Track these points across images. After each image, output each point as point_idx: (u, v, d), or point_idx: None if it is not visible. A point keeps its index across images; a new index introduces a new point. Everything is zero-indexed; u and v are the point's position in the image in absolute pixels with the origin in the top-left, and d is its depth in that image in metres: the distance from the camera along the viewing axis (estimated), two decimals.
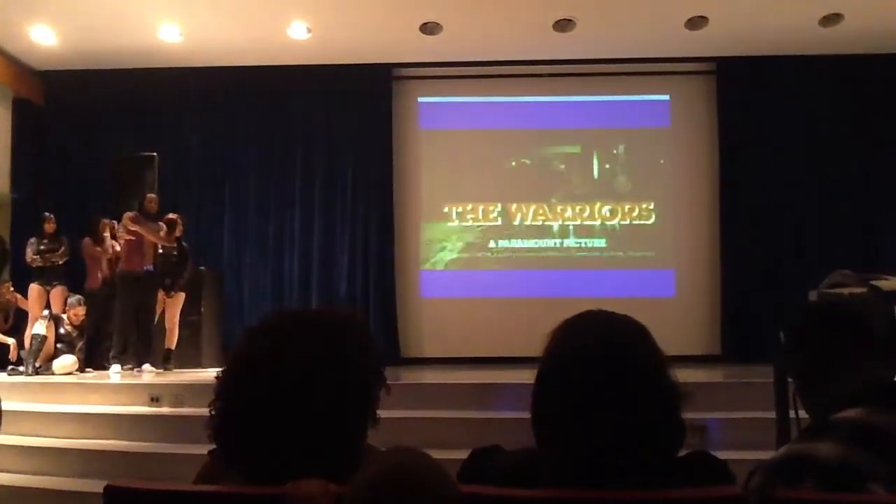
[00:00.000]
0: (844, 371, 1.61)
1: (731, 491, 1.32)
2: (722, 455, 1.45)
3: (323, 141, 9.55)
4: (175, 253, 8.10)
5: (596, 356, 1.37)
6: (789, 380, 1.86)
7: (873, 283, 3.33)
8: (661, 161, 9.51)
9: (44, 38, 8.67)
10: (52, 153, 9.40)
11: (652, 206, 9.44)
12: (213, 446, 1.42)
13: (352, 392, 1.42)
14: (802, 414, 1.80)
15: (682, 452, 1.40)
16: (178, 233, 8.09)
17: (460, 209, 9.51)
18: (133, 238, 7.62)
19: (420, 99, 9.75)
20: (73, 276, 8.15)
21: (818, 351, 1.70)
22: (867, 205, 9.06)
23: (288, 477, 1.28)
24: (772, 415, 3.57)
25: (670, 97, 9.59)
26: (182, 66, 9.20)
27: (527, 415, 1.43)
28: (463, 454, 1.51)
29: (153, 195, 8.05)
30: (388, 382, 1.50)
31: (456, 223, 9.50)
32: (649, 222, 9.42)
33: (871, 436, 1.41)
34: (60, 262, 8.15)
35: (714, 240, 9.33)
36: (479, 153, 9.54)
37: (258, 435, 1.36)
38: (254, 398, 1.38)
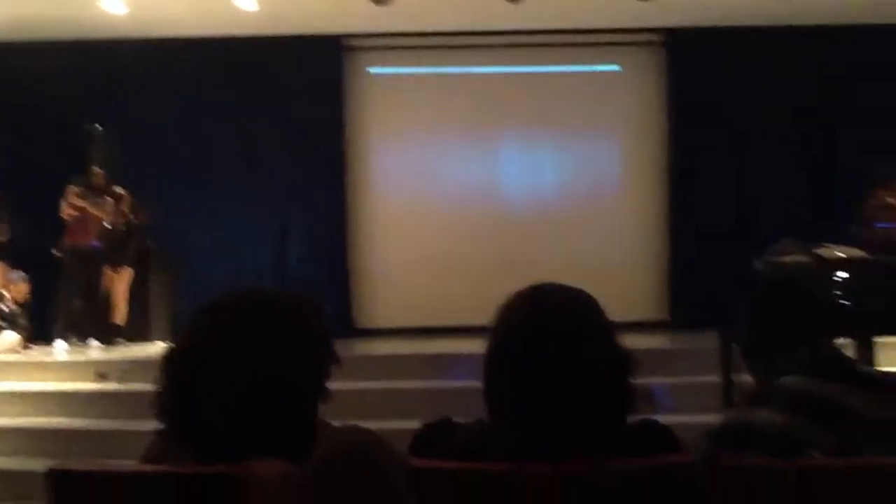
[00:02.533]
0: (788, 340, 1.65)
1: (680, 459, 1.34)
2: (668, 419, 1.48)
3: (272, 113, 9.39)
4: (121, 228, 7.95)
5: (546, 328, 1.38)
6: (734, 346, 1.90)
7: (817, 251, 3.42)
8: (611, 130, 9.56)
9: None
10: None
11: (602, 175, 9.50)
12: (161, 425, 1.40)
13: (301, 369, 1.41)
14: (746, 378, 1.84)
15: (632, 419, 1.42)
16: (124, 208, 7.94)
17: (411, 180, 9.46)
18: (78, 213, 7.46)
19: (370, 69, 9.65)
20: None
21: (764, 322, 1.73)
22: (817, 175, 9.23)
23: (238, 456, 1.27)
24: (717, 379, 3.66)
25: (621, 68, 9.63)
26: (127, 37, 8.94)
27: (479, 385, 1.43)
28: (416, 424, 1.51)
29: (98, 169, 7.88)
30: (339, 356, 1.50)
31: (407, 194, 9.45)
32: (599, 189, 9.48)
33: (812, 403, 1.45)
34: (2, 240, 7.93)
35: (663, 208, 9.45)
36: (429, 123, 9.48)
37: (206, 413, 1.35)
38: (201, 375, 1.36)
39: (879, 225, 8.15)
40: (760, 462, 1.34)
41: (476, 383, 1.47)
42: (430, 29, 9.24)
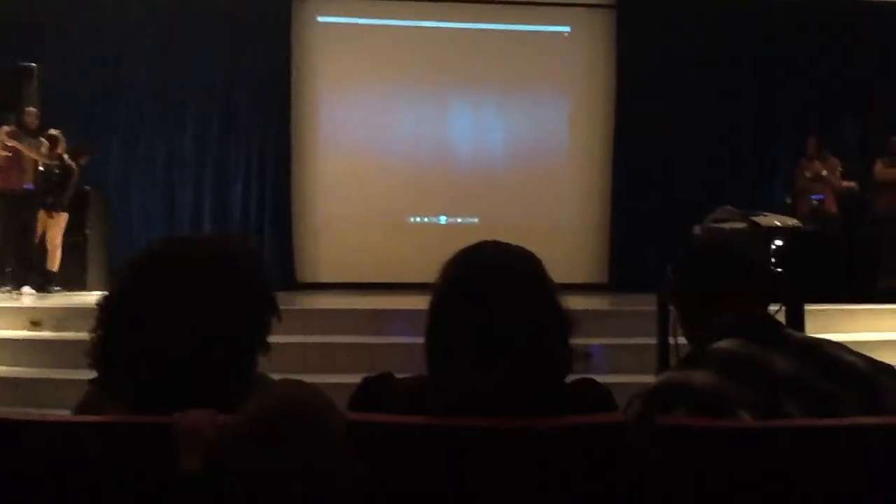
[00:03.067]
0: (721, 303, 1.69)
1: (613, 418, 1.38)
2: (604, 379, 1.51)
3: (219, 60, 9.17)
4: (57, 171, 7.72)
5: (488, 285, 1.39)
6: (670, 309, 1.94)
7: (753, 218, 3.50)
8: (558, 91, 9.58)
9: None
10: None
11: (548, 136, 9.54)
12: (95, 374, 1.38)
13: (240, 319, 1.40)
14: (682, 341, 1.89)
15: (569, 379, 1.45)
16: (60, 150, 7.70)
17: (358, 133, 9.36)
18: (10, 154, 7.22)
19: (320, 18, 9.47)
20: None
21: (698, 284, 1.77)
22: (758, 143, 9.43)
23: (174, 406, 1.25)
24: (653, 341, 3.74)
25: (571, 28, 9.62)
26: None
27: (419, 340, 1.44)
28: (356, 379, 1.52)
29: (33, 109, 7.61)
30: (280, 308, 1.49)
31: (353, 147, 9.36)
32: (545, 150, 9.52)
33: (741, 366, 1.50)
34: None
35: (606, 171, 9.55)
36: (378, 76, 9.38)
37: (141, 362, 1.33)
38: (138, 324, 1.34)
39: (813, 197, 8.39)
40: (691, 422, 1.38)
41: (417, 339, 1.48)
42: None
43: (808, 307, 3.28)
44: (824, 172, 8.38)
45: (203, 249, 1.44)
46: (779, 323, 1.68)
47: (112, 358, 1.36)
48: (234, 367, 1.39)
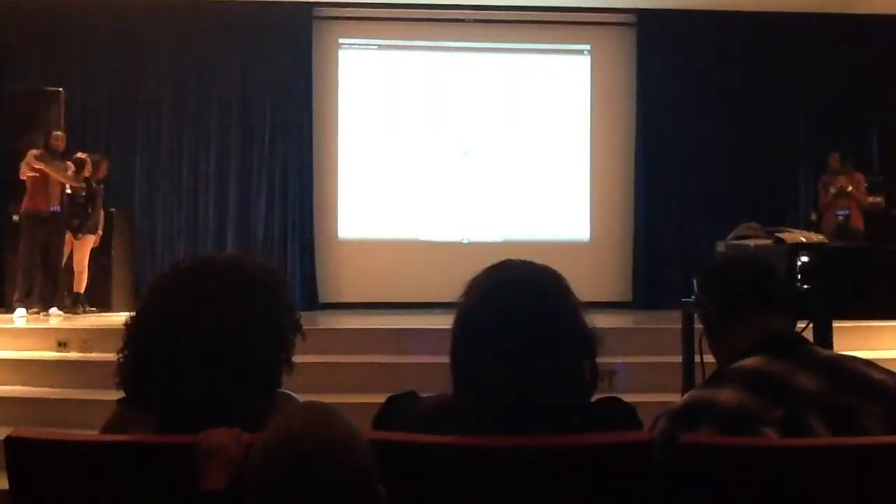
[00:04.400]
0: (747, 320, 1.67)
1: (639, 436, 1.37)
2: (630, 398, 1.50)
3: (240, 81, 9.27)
4: (83, 193, 7.81)
5: (514, 305, 1.39)
6: (696, 326, 1.93)
7: (777, 234, 3.47)
8: (578, 109, 9.57)
9: None
10: None
11: (569, 154, 9.53)
12: (122, 394, 1.39)
13: (264, 338, 1.41)
14: (708, 358, 1.87)
15: (595, 397, 1.44)
16: (86, 173, 7.80)
17: (379, 154, 9.40)
18: (37, 175, 7.32)
19: (340, 39, 9.55)
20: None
21: (723, 300, 1.76)
22: (781, 158, 9.37)
23: (198, 426, 1.26)
24: (679, 359, 3.71)
25: (591, 47, 9.63)
26: None
27: (444, 359, 1.44)
28: (380, 399, 1.52)
29: (60, 132, 7.72)
30: (304, 328, 1.49)
31: (374, 169, 9.40)
32: (567, 169, 9.52)
33: (766, 383, 1.49)
34: None
35: (628, 189, 9.52)
36: (398, 95, 9.42)
37: (167, 382, 1.34)
38: (163, 344, 1.35)
39: (839, 212, 8.31)
40: (716, 440, 1.37)
41: (440, 358, 1.47)
42: (401, 1, 9.20)
43: (837, 324, 3.24)
44: (849, 188, 8.30)
45: (227, 269, 1.45)
46: (804, 339, 1.66)
47: (137, 378, 1.37)
48: (258, 387, 1.39)
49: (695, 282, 1.86)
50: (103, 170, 8.00)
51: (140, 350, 1.38)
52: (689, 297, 3.73)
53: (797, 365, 1.51)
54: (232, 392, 1.35)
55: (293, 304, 1.50)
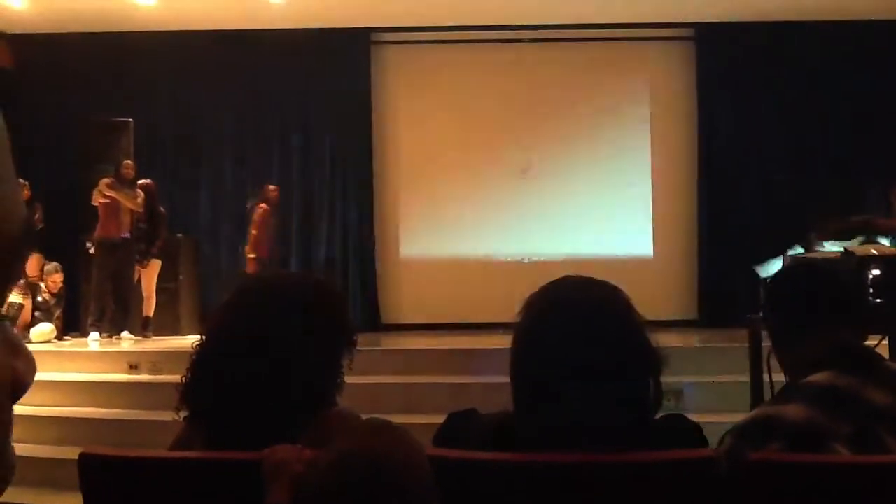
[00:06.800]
0: (814, 332, 1.63)
1: (704, 453, 1.34)
2: (697, 418, 1.47)
3: (300, 107, 9.44)
4: (150, 220, 8.02)
5: (574, 321, 1.38)
6: (764, 344, 1.88)
7: (847, 247, 3.38)
8: (639, 123, 9.48)
9: (12, 1, 8.46)
10: (23, 119, 9.21)
11: (631, 169, 9.44)
12: (187, 412, 1.42)
13: (318, 359, 1.42)
14: (776, 377, 1.83)
15: (659, 415, 1.42)
16: (153, 200, 8.02)
17: (437, 176, 9.45)
18: (109, 203, 7.56)
19: (399, 64, 9.65)
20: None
21: (788, 311, 1.72)
22: (849, 168, 9.10)
23: (256, 443, 1.28)
24: (747, 378, 3.62)
25: (649, 62, 9.55)
26: (157, 30, 9.03)
27: (505, 379, 1.43)
28: (441, 418, 1.52)
29: (130, 161, 7.96)
30: (357, 349, 1.51)
31: (433, 190, 9.45)
32: (628, 185, 9.43)
33: (836, 398, 1.44)
34: (35, 230, 8.04)
35: (692, 203, 9.37)
36: (457, 112, 9.45)
37: (222, 400, 1.37)
38: (225, 364, 1.38)
39: None
40: (784, 457, 1.33)
41: (501, 378, 1.47)
42: (458, 24, 9.26)
43: None
44: None
45: (288, 290, 1.48)
46: (875, 354, 1.61)
47: (201, 395, 1.40)
48: (312, 406, 1.41)
49: (761, 293, 1.82)
50: (151, 189, 8.18)
51: (202, 370, 1.41)
52: (756, 314, 3.66)
53: (868, 379, 1.47)
54: (285, 410, 1.37)
55: (349, 324, 1.52)
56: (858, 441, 1.36)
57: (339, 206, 9.44)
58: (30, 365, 0.74)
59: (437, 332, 8.51)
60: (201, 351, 1.44)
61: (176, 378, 1.47)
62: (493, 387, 4.66)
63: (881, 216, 8.34)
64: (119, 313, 7.62)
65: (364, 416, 1.48)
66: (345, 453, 1.15)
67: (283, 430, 1.32)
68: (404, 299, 9.45)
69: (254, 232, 8.32)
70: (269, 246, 8.44)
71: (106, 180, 7.63)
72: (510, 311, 1.55)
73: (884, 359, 1.62)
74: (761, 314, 1.81)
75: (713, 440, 1.45)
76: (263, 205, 8.41)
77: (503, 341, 1.55)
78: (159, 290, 8.09)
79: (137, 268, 7.91)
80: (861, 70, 9.00)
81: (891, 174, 8.36)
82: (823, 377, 1.50)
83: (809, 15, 8.84)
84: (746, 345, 3.46)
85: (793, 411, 1.43)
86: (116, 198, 7.56)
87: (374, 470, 1.11)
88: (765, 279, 1.82)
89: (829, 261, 3.34)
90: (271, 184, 8.76)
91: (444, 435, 1.45)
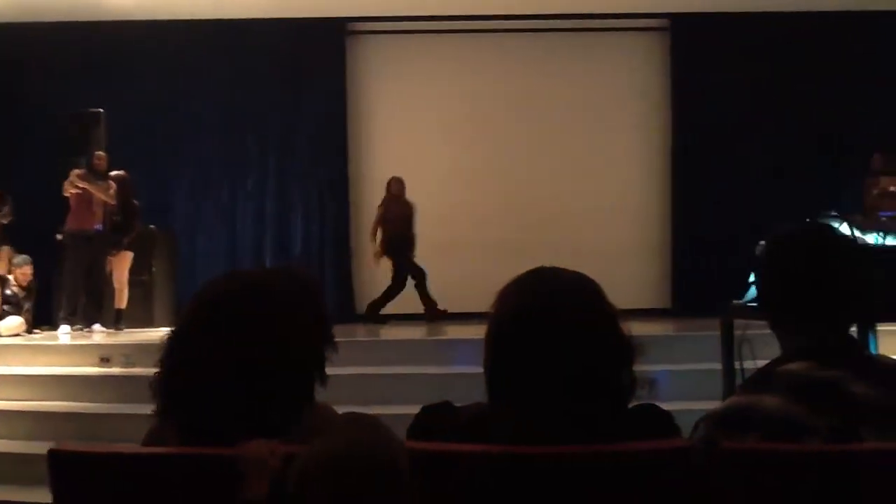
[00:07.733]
0: (792, 324, 1.58)
1: (679, 443, 1.35)
2: (670, 406, 1.48)
3: (277, 98, 9.38)
4: (122, 211, 7.93)
5: (547, 313, 1.38)
6: (735, 332, 1.89)
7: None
8: (615, 114, 9.51)
9: None
10: None
11: (605, 159, 9.48)
12: (159, 407, 1.41)
13: (299, 353, 1.41)
14: (747, 364, 1.83)
15: (632, 405, 1.42)
16: (126, 191, 7.94)
17: (414, 166, 9.41)
18: (80, 194, 7.47)
19: (375, 55, 9.61)
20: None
21: (766, 304, 1.66)
22: (823, 159, 9.19)
23: (232, 437, 1.27)
24: (719, 366, 3.66)
25: (625, 52, 9.59)
26: (129, 19, 8.92)
27: (480, 370, 1.43)
28: (417, 410, 1.52)
29: (102, 153, 7.87)
30: (336, 342, 1.50)
31: (410, 181, 9.40)
32: (602, 178, 9.46)
33: (816, 390, 1.42)
34: (4, 223, 7.94)
35: (666, 193, 9.43)
36: (434, 110, 9.44)
37: (202, 395, 1.35)
38: (199, 357, 1.37)
39: (882, 214, 8.12)
40: (758, 447, 1.34)
41: (476, 368, 1.47)
42: (435, 13, 9.24)
43: (882, 327, 3.17)
44: (892, 188, 8.12)
45: (262, 285, 1.47)
46: (857, 345, 1.58)
47: (175, 390, 1.38)
48: (290, 399, 1.40)
49: (753, 271, 1.72)
50: (127, 184, 8.10)
51: (175, 363, 1.40)
52: (729, 302, 3.68)
53: (850, 372, 1.45)
54: (261, 405, 1.35)
55: (326, 316, 1.51)
56: (840, 435, 1.35)
57: (315, 197, 9.40)
58: None
59: (412, 321, 8.48)
60: (172, 343, 1.42)
61: (149, 371, 1.46)
62: (468, 377, 4.67)
63: (857, 215, 8.43)
64: (91, 306, 7.54)
65: (340, 410, 1.48)
66: (324, 447, 1.15)
67: (258, 425, 1.31)
68: (379, 290, 9.42)
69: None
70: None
71: (77, 171, 7.54)
72: (486, 301, 1.55)
73: (866, 350, 1.60)
74: (735, 308, 1.80)
75: (686, 428, 1.46)
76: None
77: (478, 332, 1.55)
78: (132, 283, 8.00)
79: (110, 259, 7.83)
80: (834, 59, 9.08)
81: (866, 163, 8.46)
82: (801, 367, 1.47)
83: (784, 6, 8.91)
84: (719, 333, 3.49)
85: (771, 402, 1.41)
86: (88, 189, 7.47)
87: (353, 463, 1.11)
88: (768, 241, 1.67)
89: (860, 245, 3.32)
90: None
91: (418, 427, 1.45)
